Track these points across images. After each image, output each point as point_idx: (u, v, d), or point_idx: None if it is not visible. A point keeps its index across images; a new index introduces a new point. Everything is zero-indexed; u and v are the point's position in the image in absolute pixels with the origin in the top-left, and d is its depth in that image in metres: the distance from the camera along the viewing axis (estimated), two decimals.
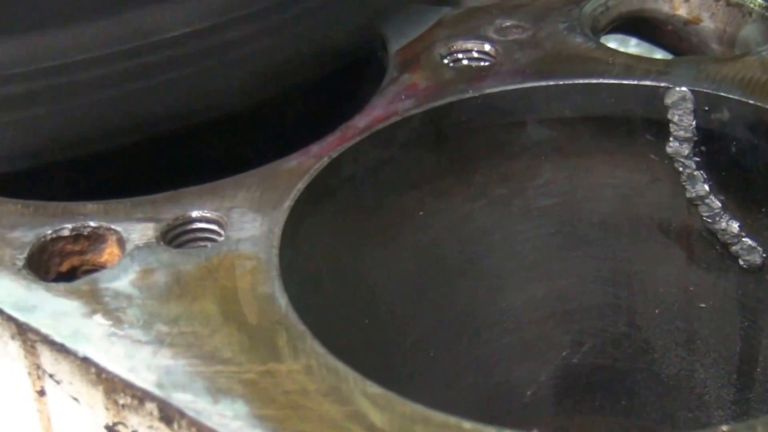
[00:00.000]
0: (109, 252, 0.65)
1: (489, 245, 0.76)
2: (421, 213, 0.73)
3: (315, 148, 0.68)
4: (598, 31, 0.80)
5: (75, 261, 0.65)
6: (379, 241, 0.72)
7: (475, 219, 0.75)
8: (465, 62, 0.77)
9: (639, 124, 0.72)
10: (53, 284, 0.60)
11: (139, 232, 0.63)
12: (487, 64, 0.76)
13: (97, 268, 0.65)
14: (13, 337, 0.59)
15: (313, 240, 0.65)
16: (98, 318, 0.57)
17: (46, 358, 0.57)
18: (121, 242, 0.63)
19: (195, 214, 0.64)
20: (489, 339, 0.77)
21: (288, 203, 0.64)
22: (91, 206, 0.65)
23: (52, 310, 0.58)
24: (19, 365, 0.59)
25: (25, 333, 0.58)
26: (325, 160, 0.67)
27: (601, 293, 0.78)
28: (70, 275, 0.65)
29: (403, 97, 0.72)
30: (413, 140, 0.71)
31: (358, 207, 0.70)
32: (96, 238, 0.64)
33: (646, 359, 0.78)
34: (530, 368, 0.79)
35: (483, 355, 0.78)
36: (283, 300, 0.57)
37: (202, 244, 0.64)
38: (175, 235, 0.64)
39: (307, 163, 0.67)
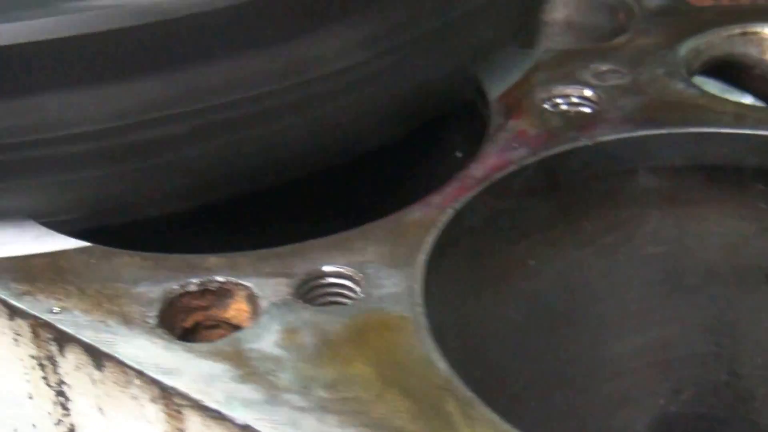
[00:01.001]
0: (236, 308, 0.62)
1: (593, 293, 0.75)
2: (531, 262, 0.72)
3: (436, 199, 0.67)
4: (689, 75, 0.79)
5: (199, 317, 0.62)
6: (490, 290, 0.71)
7: (581, 267, 0.74)
8: (566, 107, 0.76)
9: (750, 173, 0.71)
10: (193, 344, 0.58)
11: (272, 288, 0.61)
12: (589, 110, 0.75)
13: (220, 323, 0.63)
14: (153, 401, 0.56)
15: (440, 293, 0.63)
16: (251, 382, 0.55)
17: (194, 423, 0.55)
18: (251, 298, 0.61)
19: (328, 269, 0.62)
20: (587, 387, 0.76)
21: (422, 258, 0.62)
22: (213, 259, 0.63)
23: (198, 373, 0.56)
24: (157, 430, 0.57)
25: (169, 397, 0.55)
26: (450, 212, 0.65)
27: (702, 341, 0.77)
28: (191, 331, 0.62)
29: (515, 145, 0.71)
30: (528, 189, 0.69)
31: (475, 257, 0.68)
32: (223, 294, 0.62)
33: (747, 408, 0.77)
34: (627, 417, 0.78)
35: (580, 403, 0.76)
36: (441, 363, 0.55)
37: (338, 300, 0.61)
38: (309, 290, 0.61)
39: (431, 215, 0.66)
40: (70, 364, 0.60)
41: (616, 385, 0.78)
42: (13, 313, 0.61)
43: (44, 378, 0.62)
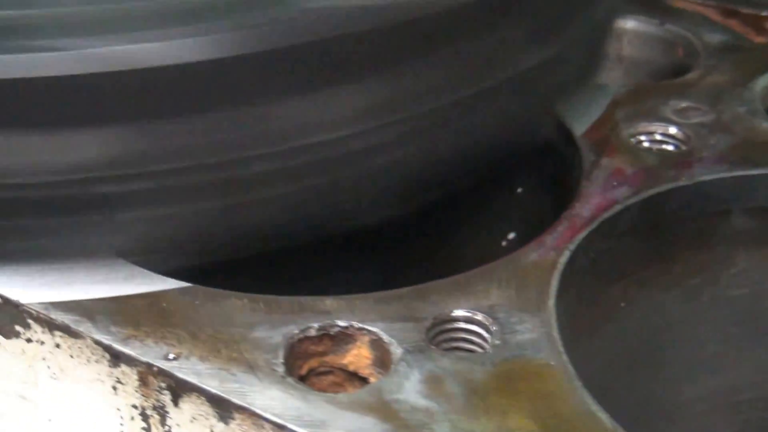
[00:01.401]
0: (356, 354, 0.59)
1: (674, 335, 0.74)
2: (622, 303, 0.70)
3: (549, 240, 0.64)
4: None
5: (314, 363, 0.59)
6: (587, 333, 0.68)
7: (665, 309, 0.72)
8: (648, 144, 0.74)
9: None
10: (333, 395, 0.54)
11: (402, 334, 0.57)
12: (673, 147, 0.73)
13: (334, 370, 0.59)
14: None
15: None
16: None
17: None
18: (376, 344, 0.58)
19: (459, 313, 0.58)
20: (658, 429, 0.74)
21: (551, 302, 0.59)
22: (330, 302, 0.59)
23: (347, 427, 0.52)
24: None
25: None
26: (567, 253, 0.63)
27: None
28: (303, 378, 0.59)
29: (614, 183, 0.69)
30: (628, 229, 0.67)
31: (578, 300, 0.66)
32: (342, 339, 0.58)
33: None
34: None
35: None
36: (603, 414, 0.53)
37: (469, 346, 0.58)
38: (437, 335, 0.58)
39: (548, 256, 0.63)
40: (185, 415, 0.55)
41: (685, 426, 0.76)
42: (117, 359, 0.56)
43: (145, 429, 0.58)
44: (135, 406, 0.57)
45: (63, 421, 0.62)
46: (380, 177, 0.66)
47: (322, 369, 0.59)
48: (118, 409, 0.58)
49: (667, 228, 0.70)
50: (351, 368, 0.59)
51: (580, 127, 0.74)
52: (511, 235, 0.92)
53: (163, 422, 0.57)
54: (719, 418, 0.78)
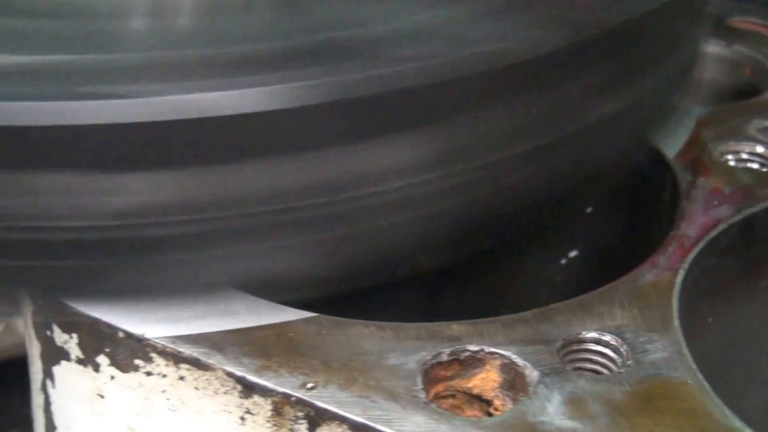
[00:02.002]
0: (483, 377, 0.59)
1: (747, 348, 0.74)
2: (710, 319, 0.70)
3: (662, 260, 0.65)
4: None
5: (439, 388, 0.59)
6: None
7: (744, 323, 0.73)
8: (734, 163, 0.75)
9: None
10: (478, 420, 0.54)
11: (535, 357, 0.57)
12: (757, 166, 0.75)
13: (456, 394, 0.59)
14: None
15: None
16: None
17: None
18: (507, 368, 0.58)
19: (588, 335, 0.59)
20: None
21: (676, 322, 0.59)
22: (457, 327, 0.59)
23: None
24: None
25: None
26: (682, 273, 0.63)
27: None
28: None
29: (715, 203, 0.69)
30: (728, 247, 0.68)
31: (681, 315, 0.66)
32: (471, 363, 0.58)
33: None
34: None
35: None
36: (748, 430, 0.53)
37: (598, 368, 0.58)
38: (566, 355, 0.58)
39: (663, 276, 0.63)
40: None
41: None
42: (250, 390, 0.56)
43: None
44: None
45: None
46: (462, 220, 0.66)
47: (445, 393, 0.59)
48: None
49: (757, 245, 0.70)
50: (475, 391, 0.59)
51: (670, 150, 0.74)
52: (573, 253, 0.92)
53: None
54: None
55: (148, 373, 0.60)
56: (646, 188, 0.76)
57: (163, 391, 0.60)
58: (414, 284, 0.77)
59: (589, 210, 0.87)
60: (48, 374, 0.65)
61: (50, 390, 0.66)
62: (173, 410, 0.60)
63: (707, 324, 0.73)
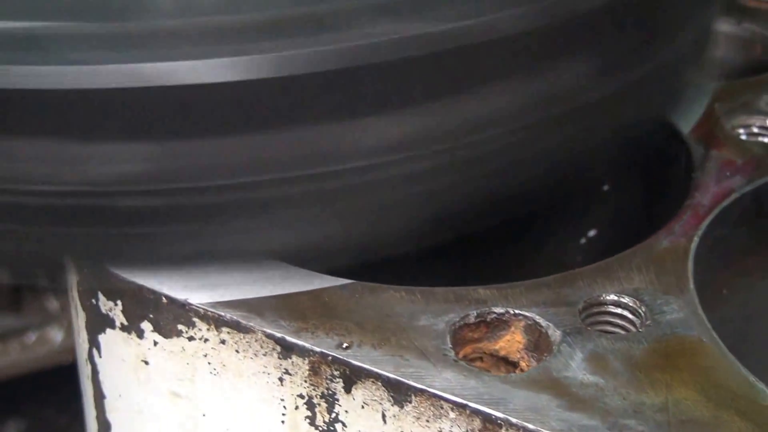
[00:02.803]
0: (508, 339, 0.62)
1: (764, 324, 0.77)
2: (725, 291, 0.73)
3: (677, 227, 0.68)
4: None
5: (468, 350, 0.62)
6: None
7: (760, 296, 0.75)
8: (746, 137, 0.78)
9: None
10: (506, 376, 0.57)
11: (557, 318, 0.60)
12: None
13: (483, 356, 0.62)
14: None
15: None
16: (581, 410, 0.55)
17: None
18: (531, 329, 0.61)
19: (608, 297, 0.62)
20: None
21: (691, 285, 0.63)
22: (483, 291, 0.62)
23: (525, 402, 0.55)
24: None
25: (497, 428, 0.55)
26: (696, 240, 0.66)
27: None
28: None
29: (728, 173, 0.72)
30: (740, 218, 0.71)
31: (696, 284, 0.69)
32: (497, 325, 0.62)
33: None
34: None
35: None
36: (761, 385, 0.56)
37: (620, 328, 0.61)
38: (589, 317, 0.61)
39: (679, 243, 0.66)
40: (357, 401, 0.58)
41: None
42: (288, 351, 0.59)
43: (309, 417, 0.61)
44: (301, 396, 0.60)
45: (219, 415, 0.65)
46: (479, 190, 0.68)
47: (473, 355, 0.62)
48: (282, 400, 0.61)
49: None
50: (502, 353, 0.62)
51: (685, 125, 0.77)
52: (592, 233, 0.95)
53: (330, 410, 0.60)
54: None
55: (191, 338, 0.63)
56: (661, 163, 0.79)
57: (205, 355, 0.63)
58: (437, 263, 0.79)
59: (606, 188, 0.89)
60: (94, 343, 0.69)
61: (96, 359, 0.70)
62: (215, 374, 0.63)
63: (723, 296, 0.76)
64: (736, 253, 0.74)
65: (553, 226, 0.93)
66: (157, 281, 0.63)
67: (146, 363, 0.66)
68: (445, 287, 0.63)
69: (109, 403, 0.72)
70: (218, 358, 0.63)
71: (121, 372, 0.68)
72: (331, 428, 0.60)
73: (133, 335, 0.65)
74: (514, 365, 0.62)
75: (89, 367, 0.71)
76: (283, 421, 0.62)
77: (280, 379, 0.61)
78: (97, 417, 0.74)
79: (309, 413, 0.61)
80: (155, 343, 0.65)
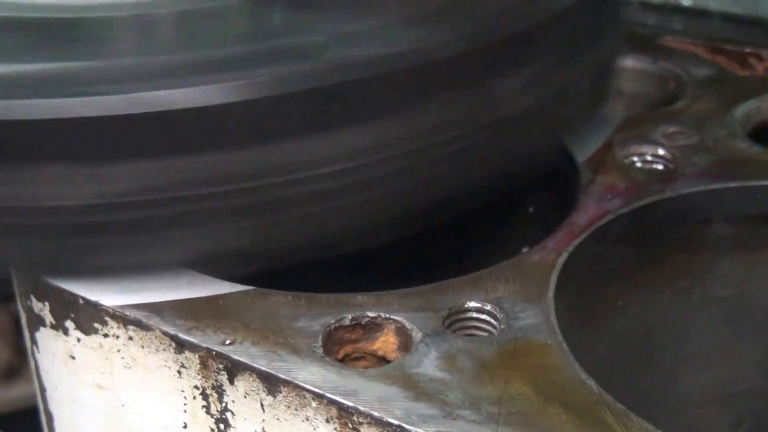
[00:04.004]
0: (383, 340, 0.69)
1: (669, 332, 0.83)
2: (619, 302, 0.80)
3: (550, 244, 0.74)
4: None
5: (348, 349, 0.69)
6: (589, 328, 0.78)
7: (660, 308, 0.82)
8: (641, 165, 0.84)
9: None
10: (363, 370, 0.64)
11: (422, 321, 0.68)
12: (662, 167, 0.84)
13: (365, 355, 0.70)
14: (329, 421, 0.63)
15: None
16: (424, 401, 0.62)
17: None
18: (400, 331, 0.68)
19: (471, 304, 0.69)
20: (658, 420, 0.83)
21: (550, 294, 0.69)
22: (361, 297, 0.70)
23: (374, 394, 0.62)
24: None
25: (348, 416, 0.62)
26: (565, 255, 0.73)
27: (763, 377, 0.85)
28: (341, 362, 0.69)
29: (608, 196, 0.79)
30: (621, 235, 0.77)
31: (580, 297, 0.76)
32: (372, 327, 0.69)
33: None
34: None
35: None
36: (591, 382, 0.63)
37: (480, 333, 0.68)
38: (453, 323, 0.68)
39: (548, 257, 0.73)
40: (240, 392, 0.66)
41: (683, 418, 0.85)
42: (182, 346, 0.67)
43: (205, 407, 0.68)
44: (197, 387, 0.68)
45: (135, 405, 0.73)
46: (396, 202, 0.76)
47: (356, 354, 0.70)
48: (182, 391, 0.69)
49: (656, 235, 0.80)
50: (380, 353, 0.69)
51: (583, 153, 0.84)
52: (525, 250, 1.02)
53: (220, 399, 0.67)
54: (717, 409, 0.87)
55: (105, 335, 0.71)
56: (567, 188, 0.86)
57: (118, 351, 0.71)
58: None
59: (531, 210, 0.97)
60: (33, 340, 0.77)
61: (36, 355, 0.78)
62: (128, 367, 0.71)
63: (619, 307, 0.83)
64: (625, 268, 0.81)
65: (488, 246, 1.00)
66: (75, 285, 0.71)
67: (73, 358, 0.73)
68: (330, 294, 0.70)
69: (49, 395, 0.80)
70: (129, 353, 0.70)
71: (55, 366, 0.76)
72: (223, 416, 0.68)
73: (60, 332, 0.73)
74: None
75: (33, 362, 0.79)
76: (185, 411, 0.70)
77: (179, 372, 0.68)
78: (43, 409, 0.82)
79: (204, 403, 0.68)
80: (78, 340, 0.73)
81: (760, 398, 0.86)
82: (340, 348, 0.68)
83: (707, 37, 1.00)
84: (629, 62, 0.98)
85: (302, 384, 0.63)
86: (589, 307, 0.76)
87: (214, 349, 0.66)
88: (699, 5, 1.22)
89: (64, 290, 0.71)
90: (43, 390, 0.80)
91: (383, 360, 0.69)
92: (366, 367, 0.68)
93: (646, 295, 0.82)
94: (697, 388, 0.86)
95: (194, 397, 0.68)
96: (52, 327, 0.73)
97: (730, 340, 0.85)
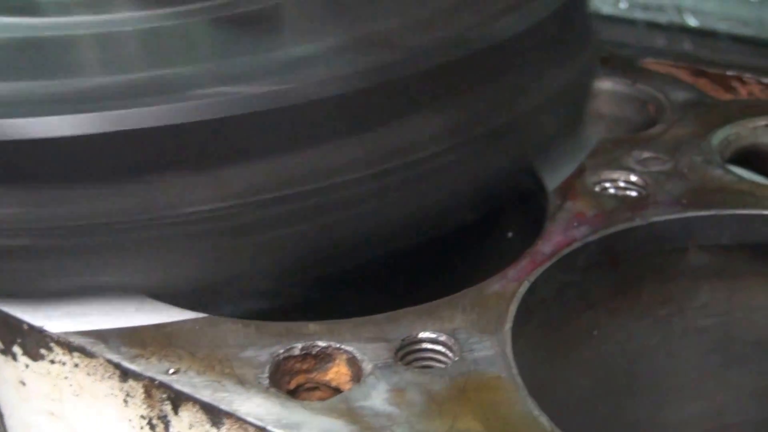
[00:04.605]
0: (336, 371, 0.67)
1: (652, 362, 0.81)
2: (594, 332, 0.77)
3: (512, 273, 0.72)
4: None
5: (301, 379, 0.67)
6: (560, 358, 0.76)
7: (640, 337, 0.79)
8: (613, 191, 0.82)
9: None
10: (309, 402, 0.62)
11: (373, 352, 0.65)
12: (635, 193, 0.81)
13: (319, 386, 0.67)
14: None
15: (519, 359, 0.69)
16: None
17: None
18: (352, 362, 0.66)
19: (424, 335, 0.67)
20: None
21: (508, 326, 0.67)
22: (313, 326, 0.68)
23: (318, 427, 0.60)
24: None
25: None
26: (526, 284, 0.71)
27: (757, 407, 0.83)
28: (293, 393, 0.67)
29: (575, 224, 0.77)
30: (591, 264, 0.75)
31: (547, 326, 0.73)
32: (324, 357, 0.67)
33: None
34: None
35: None
36: (543, 418, 0.60)
37: (433, 363, 0.66)
38: (406, 354, 0.66)
39: (509, 287, 0.71)
40: (184, 422, 0.64)
41: None
42: (126, 375, 0.65)
43: None
44: (143, 416, 0.66)
45: None
46: (366, 221, 0.74)
47: (309, 385, 0.68)
48: (130, 420, 0.67)
49: (629, 263, 0.77)
50: (333, 384, 0.67)
51: (555, 178, 0.82)
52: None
53: (167, 429, 0.65)
54: None
55: (52, 361, 0.69)
56: (539, 213, 0.84)
57: (66, 378, 0.69)
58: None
59: (509, 235, 0.94)
60: None
61: None
62: (76, 395, 0.69)
63: (594, 336, 0.81)
64: (596, 296, 0.79)
65: (468, 270, 0.98)
66: (20, 310, 0.69)
67: (23, 384, 0.72)
68: (281, 322, 0.68)
69: (6, 421, 0.78)
70: (76, 381, 0.69)
71: (7, 392, 0.74)
72: None
73: (9, 358, 0.71)
74: None
75: None
76: None
77: (125, 401, 0.66)
78: None
79: None
80: (27, 366, 0.71)
81: (754, 430, 0.83)
82: (291, 378, 0.66)
83: (688, 58, 0.98)
84: (607, 84, 0.96)
85: (244, 417, 0.61)
86: (561, 337, 0.74)
87: (157, 378, 0.64)
88: (706, 26, 1.21)
89: (8, 315, 0.69)
90: (1, 416, 0.78)
91: (337, 391, 0.67)
92: (321, 398, 0.66)
93: (623, 323, 0.80)
94: (686, 420, 0.84)
95: (141, 427, 0.66)
96: (1, 352, 0.71)
97: (718, 370, 0.83)
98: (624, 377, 0.82)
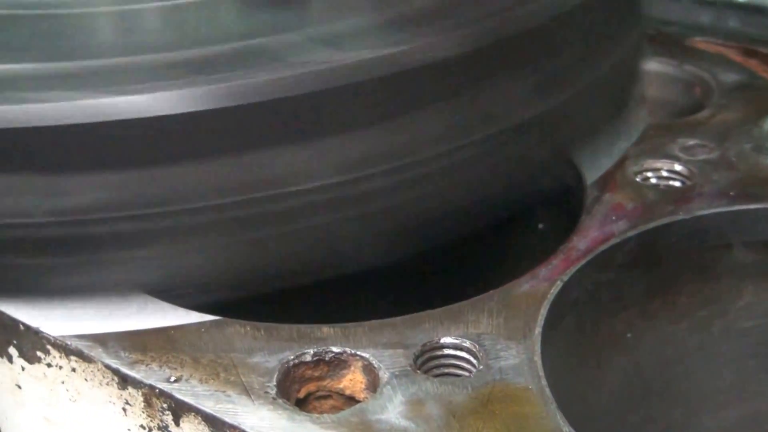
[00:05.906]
0: (351, 378, 0.62)
1: (688, 367, 0.75)
2: (628, 335, 0.72)
3: (543, 272, 0.67)
4: None
5: (312, 387, 0.62)
6: (592, 363, 0.71)
7: (676, 341, 0.74)
8: (656, 181, 0.76)
9: None
10: (319, 416, 0.57)
11: (391, 359, 0.60)
12: (679, 184, 0.75)
13: (332, 394, 0.62)
14: None
15: (549, 365, 0.63)
16: None
17: None
18: (368, 369, 0.61)
19: (446, 340, 0.61)
20: None
21: (538, 330, 0.62)
22: (327, 329, 0.62)
23: None
24: None
25: None
26: (559, 284, 0.65)
27: None
28: (303, 401, 0.62)
29: (613, 218, 0.71)
30: (627, 262, 0.69)
31: (579, 330, 0.68)
32: (337, 364, 0.62)
33: None
34: None
35: None
36: None
37: (456, 371, 0.61)
38: (426, 361, 0.61)
39: (540, 287, 0.66)
40: None
41: None
42: (125, 381, 0.60)
43: None
44: (143, 426, 0.61)
45: None
46: (400, 218, 0.68)
47: (321, 393, 0.62)
48: (129, 430, 0.62)
49: (669, 261, 0.72)
50: (347, 392, 0.62)
51: (595, 168, 0.76)
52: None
53: None
54: None
55: (49, 365, 0.64)
56: (576, 205, 0.78)
57: (63, 382, 0.64)
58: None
59: (541, 226, 0.89)
60: None
61: None
62: (73, 401, 0.65)
63: (628, 339, 0.75)
64: (634, 297, 0.73)
65: (498, 263, 0.93)
66: (15, 308, 0.64)
67: (19, 387, 0.67)
68: (292, 325, 0.63)
69: (1, 425, 0.74)
70: (73, 386, 0.64)
71: (2, 395, 0.70)
72: None
73: (5, 360, 0.67)
74: None
75: None
76: None
77: (124, 410, 0.62)
78: None
79: None
80: (23, 368, 0.66)
81: None
82: (302, 386, 0.61)
83: (736, 36, 0.92)
84: (653, 65, 0.90)
85: (248, 430, 0.55)
86: (593, 341, 0.68)
87: (157, 386, 0.59)
88: (754, 1, 1.14)
89: (3, 314, 0.64)
90: None
91: (352, 400, 0.62)
92: (333, 407, 0.61)
93: (659, 326, 0.74)
94: (722, 426, 0.78)
95: None
96: None
97: (756, 375, 0.77)
98: (657, 383, 0.76)
